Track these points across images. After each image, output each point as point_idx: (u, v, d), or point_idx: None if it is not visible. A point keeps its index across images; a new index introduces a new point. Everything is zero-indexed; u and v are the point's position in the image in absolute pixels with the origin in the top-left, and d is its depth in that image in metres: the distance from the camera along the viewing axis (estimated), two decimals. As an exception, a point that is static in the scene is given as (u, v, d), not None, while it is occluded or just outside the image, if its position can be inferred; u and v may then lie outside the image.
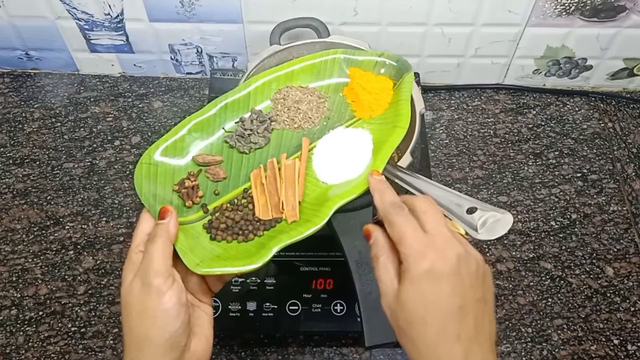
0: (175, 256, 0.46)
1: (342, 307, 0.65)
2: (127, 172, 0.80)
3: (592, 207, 0.78)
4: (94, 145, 0.83)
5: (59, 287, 0.71)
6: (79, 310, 0.69)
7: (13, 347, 0.67)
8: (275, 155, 0.54)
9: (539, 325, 0.70)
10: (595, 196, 0.79)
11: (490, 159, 0.82)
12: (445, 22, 0.79)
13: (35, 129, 0.84)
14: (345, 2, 0.76)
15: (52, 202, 0.78)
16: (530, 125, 0.86)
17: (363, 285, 0.54)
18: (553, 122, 0.87)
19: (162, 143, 0.54)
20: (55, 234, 0.75)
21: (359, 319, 0.53)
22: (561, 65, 0.86)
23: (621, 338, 0.69)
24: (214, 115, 0.56)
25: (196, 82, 0.90)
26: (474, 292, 0.40)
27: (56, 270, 0.72)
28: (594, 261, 0.74)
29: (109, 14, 0.79)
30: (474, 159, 0.82)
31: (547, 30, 0.80)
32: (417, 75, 0.86)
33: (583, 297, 0.72)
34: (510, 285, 0.72)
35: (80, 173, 0.80)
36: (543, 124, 0.86)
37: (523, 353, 0.68)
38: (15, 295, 0.71)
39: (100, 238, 0.75)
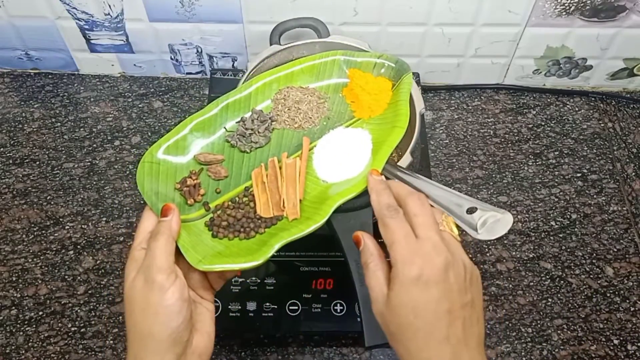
0: (178, 253, 0.46)
1: (342, 307, 0.65)
2: (127, 172, 0.80)
3: (592, 207, 0.78)
4: (94, 145, 0.83)
5: (59, 287, 0.71)
6: (79, 310, 0.69)
7: (13, 347, 0.67)
8: (275, 155, 0.55)
9: (539, 325, 0.70)
10: (595, 196, 0.79)
11: (490, 159, 0.82)
12: (445, 22, 0.79)
13: (35, 129, 0.84)
14: (345, 2, 0.76)
15: (52, 202, 0.78)
16: (530, 125, 0.86)
17: (363, 285, 0.54)
18: (553, 122, 0.87)
19: (164, 142, 0.54)
20: (55, 234, 0.75)
21: (359, 319, 0.53)
22: (561, 65, 0.86)
23: (621, 338, 0.69)
24: (215, 115, 0.56)
25: (196, 82, 0.90)
26: (462, 297, 0.41)
27: (56, 270, 0.72)
28: (594, 261, 0.74)
29: (109, 14, 0.79)
30: (474, 159, 0.82)
31: (547, 30, 0.80)
32: (417, 75, 0.86)
33: (583, 297, 0.72)
34: (510, 285, 0.72)
35: (80, 173, 0.80)
36: (543, 124, 0.86)
37: (523, 353, 0.68)
38: (15, 295, 0.71)
39: (100, 238, 0.75)
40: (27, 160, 0.81)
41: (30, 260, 0.73)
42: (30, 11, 0.79)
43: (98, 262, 0.73)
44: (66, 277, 0.72)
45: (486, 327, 0.69)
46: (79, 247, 0.74)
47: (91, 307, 0.70)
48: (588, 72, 0.87)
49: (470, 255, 0.73)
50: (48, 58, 0.87)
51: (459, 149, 0.83)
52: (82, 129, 0.84)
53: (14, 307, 0.70)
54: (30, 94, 0.88)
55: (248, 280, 0.67)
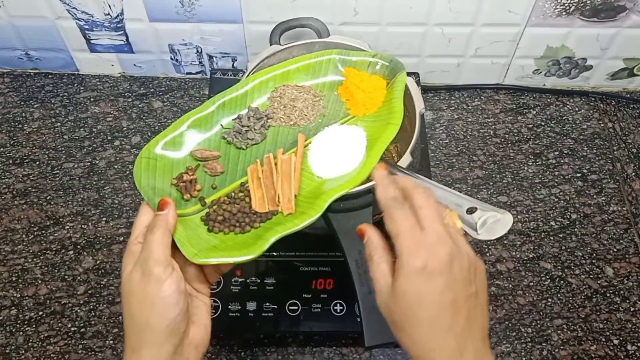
0: (174, 247, 0.47)
1: (342, 307, 0.65)
2: (127, 172, 0.80)
3: (592, 207, 0.78)
4: (94, 145, 0.83)
5: (59, 287, 0.71)
6: (78, 310, 0.69)
7: (13, 347, 0.67)
8: (271, 151, 0.55)
9: (539, 325, 0.70)
10: (595, 196, 0.79)
11: (490, 159, 0.82)
12: (445, 22, 0.79)
13: (35, 129, 0.84)
14: (345, 2, 0.76)
15: (52, 202, 0.78)
16: (530, 125, 0.86)
17: (363, 285, 0.54)
18: (553, 122, 0.87)
19: (161, 138, 0.55)
20: (55, 234, 0.75)
21: (359, 319, 0.53)
22: (561, 65, 0.86)
23: (621, 338, 0.69)
24: (212, 113, 0.57)
25: (196, 82, 0.90)
26: (466, 288, 0.41)
27: (56, 270, 0.72)
28: (593, 261, 0.74)
29: (109, 14, 0.79)
30: (474, 159, 0.82)
31: (547, 30, 0.80)
32: (417, 75, 0.86)
33: (583, 297, 0.72)
34: (510, 285, 0.72)
35: (80, 173, 0.80)
36: (543, 124, 0.86)
37: (523, 353, 0.68)
38: (15, 295, 0.71)
39: (100, 238, 0.75)
40: (27, 160, 0.81)
41: (30, 260, 0.73)
42: (30, 11, 0.79)
43: (98, 262, 0.73)
44: (66, 277, 0.72)
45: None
46: (79, 247, 0.74)
47: (91, 307, 0.70)
48: (588, 72, 0.87)
49: (470, 255, 0.73)
50: (48, 58, 0.87)
51: (459, 149, 0.83)
52: (82, 129, 0.84)
53: (14, 307, 0.70)
54: (30, 94, 0.88)
55: (248, 280, 0.67)
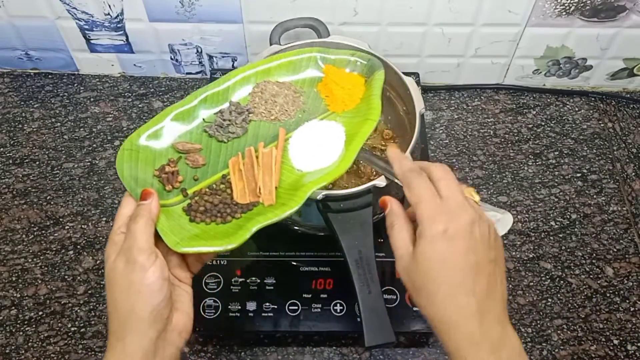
0: (156, 237, 0.48)
1: (342, 307, 0.65)
2: (127, 172, 0.80)
3: (592, 207, 0.78)
4: (94, 145, 0.83)
5: (59, 287, 0.71)
6: (78, 310, 0.69)
7: (13, 347, 0.67)
8: (252, 145, 0.56)
9: (539, 325, 0.70)
10: (595, 196, 0.79)
11: (490, 159, 0.82)
12: (445, 22, 0.79)
13: (35, 129, 0.84)
14: (345, 2, 0.76)
15: (52, 202, 0.78)
16: (530, 125, 0.86)
17: (363, 285, 0.54)
18: (553, 122, 0.87)
19: (144, 130, 0.56)
20: (55, 234, 0.75)
21: (359, 319, 0.53)
22: (561, 65, 0.86)
23: (621, 338, 0.69)
24: (194, 107, 0.58)
25: (196, 82, 0.90)
26: (487, 253, 0.42)
27: (56, 270, 0.72)
28: (593, 261, 0.74)
29: (109, 14, 0.79)
30: (474, 159, 0.82)
31: (547, 30, 0.80)
32: (417, 75, 0.86)
33: (583, 297, 0.72)
34: (510, 286, 0.72)
35: (80, 173, 0.80)
36: (543, 124, 0.86)
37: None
38: (15, 295, 0.71)
39: (100, 238, 0.75)
40: (27, 160, 0.81)
41: (30, 260, 0.73)
42: (30, 11, 0.79)
43: (98, 262, 0.73)
44: (66, 277, 0.72)
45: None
46: (79, 247, 0.74)
47: (91, 307, 0.70)
48: (588, 72, 0.87)
49: (470, 255, 0.73)
50: (48, 58, 0.87)
51: (459, 149, 0.83)
52: (82, 129, 0.84)
53: (14, 307, 0.70)
54: (30, 94, 0.88)
55: (248, 280, 0.67)
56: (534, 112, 0.88)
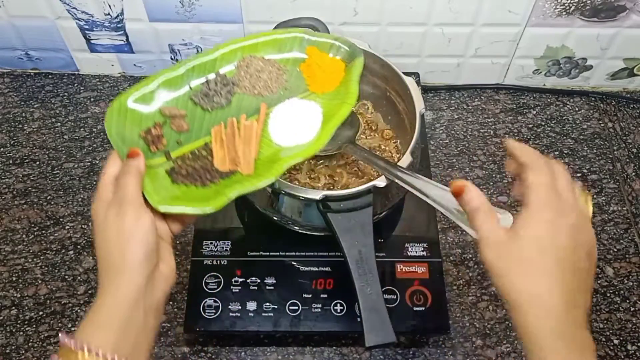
0: None
1: (342, 307, 0.65)
2: (127, 172, 0.80)
3: (592, 207, 0.78)
4: (94, 145, 0.83)
5: (59, 287, 0.71)
6: (79, 310, 0.69)
7: (13, 347, 0.67)
8: (235, 116, 0.59)
9: (539, 325, 0.69)
10: (595, 196, 0.79)
11: (490, 159, 0.82)
12: (445, 22, 0.79)
13: (35, 129, 0.84)
14: (345, 2, 0.76)
15: (52, 202, 0.78)
16: (530, 125, 0.86)
17: (363, 285, 0.54)
18: (553, 122, 0.87)
19: (133, 92, 0.58)
20: (55, 234, 0.75)
21: (359, 319, 0.53)
22: (561, 65, 0.86)
23: (621, 338, 0.69)
24: (182, 74, 0.60)
25: (196, 82, 0.90)
26: (582, 259, 0.43)
27: (56, 270, 0.72)
28: (594, 261, 0.74)
29: (109, 14, 0.79)
30: (474, 159, 0.82)
31: (547, 30, 0.80)
32: (417, 75, 0.86)
33: (583, 297, 0.72)
34: (510, 285, 0.72)
35: (80, 173, 0.80)
36: (543, 124, 0.86)
37: (523, 353, 0.68)
38: (15, 295, 0.71)
39: (100, 238, 0.75)
40: (27, 160, 0.81)
41: (30, 260, 0.73)
42: (30, 11, 0.79)
43: (98, 262, 0.73)
44: (66, 277, 0.72)
45: (486, 327, 0.69)
46: (79, 247, 0.74)
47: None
48: (588, 72, 0.87)
49: (471, 255, 0.73)
50: (48, 58, 0.87)
51: (459, 149, 0.83)
52: (82, 129, 0.84)
53: (14, 307, 0.70)
54: (30, 94, 0.88)
55: (248, 280, 0.67)
56: (534, 112, 0.88)
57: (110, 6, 0.78)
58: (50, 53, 0.86)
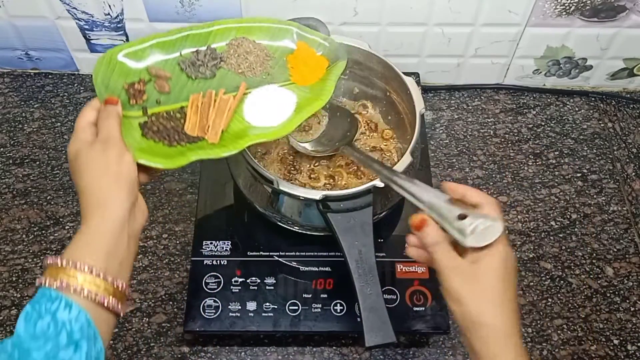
0: None
1: (342, 307, 0.65)
2: (127, 172, 0.80)
3: (592, 207, 0.78)
4: (94, 145, 0.83)
5: (59, 287, 0.71)
6: (79, 310, 0.69)
7: (13, 347, 0.67)
8: (215, 89, 0.61)
9: (539, 325, 0.70)
10: (595, 196, 0.79)
11: (490, 159, 0.82)
12: (445, 22, 0.79)
13: (35, 129, 0.84)
14: (345, 2, 0.76)
15: (52, 202, 0.78)
16: (530, 125, 0.86)
17: (363, 285, 0.54)
18: (553, 122, 0.87)
19: (126, 47, 0.61)
20: (55, 234, 0.75)
21: (359, 319, 0.53)
22: (561, 65, 0.86)
23: (621, 338, 0.69)
24: (176, 40, 0.63)
25: (196, 82, 0.90)
26: (515, 277, 0.48)
27: (56, 270, 0.72)
28: (594, 261, 0.74)
29: (109, 14, 0.79)
30: (474, 159, 0.82)
31: (547, 30, 0.80)
32: (417, 75, 0.86)
33: (583, 297, 0.72)
34: (510, 285, 0.72)
35: (80, 173, 0.80)
36: (543, 124, 0.86)
37: (523, 353, 0.68)
38: (15, 295, 0.71)
39: (100, 238, 0.75)
40: (27, 160, 0.81)
41: (30, 260, 0.73)
42: (30, 11, 0.79)
43: (98, 262, 0.73)
44: (66, 277, 0.72)
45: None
46: (79, 247, 0.74)
47: (91, 307, 0.70)
48: (588, 72, 0.87)
49: (470, 255, 0.73)
50: (48, 58, 0.87)
51: (459, 149, 0.83)
52: (82, 129, 0.84)
53: (14, 307, 0.70)
54: (30, 94, 0.88)
55: (248, 280, 0.67)
56: (534, 112, 0.88)
57: (110, 6, 0.78)
58: (50, 53, 0.86)
